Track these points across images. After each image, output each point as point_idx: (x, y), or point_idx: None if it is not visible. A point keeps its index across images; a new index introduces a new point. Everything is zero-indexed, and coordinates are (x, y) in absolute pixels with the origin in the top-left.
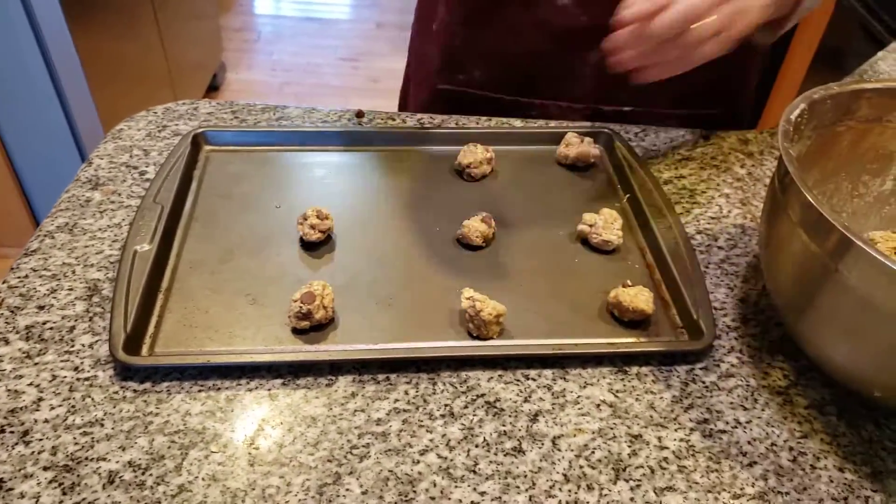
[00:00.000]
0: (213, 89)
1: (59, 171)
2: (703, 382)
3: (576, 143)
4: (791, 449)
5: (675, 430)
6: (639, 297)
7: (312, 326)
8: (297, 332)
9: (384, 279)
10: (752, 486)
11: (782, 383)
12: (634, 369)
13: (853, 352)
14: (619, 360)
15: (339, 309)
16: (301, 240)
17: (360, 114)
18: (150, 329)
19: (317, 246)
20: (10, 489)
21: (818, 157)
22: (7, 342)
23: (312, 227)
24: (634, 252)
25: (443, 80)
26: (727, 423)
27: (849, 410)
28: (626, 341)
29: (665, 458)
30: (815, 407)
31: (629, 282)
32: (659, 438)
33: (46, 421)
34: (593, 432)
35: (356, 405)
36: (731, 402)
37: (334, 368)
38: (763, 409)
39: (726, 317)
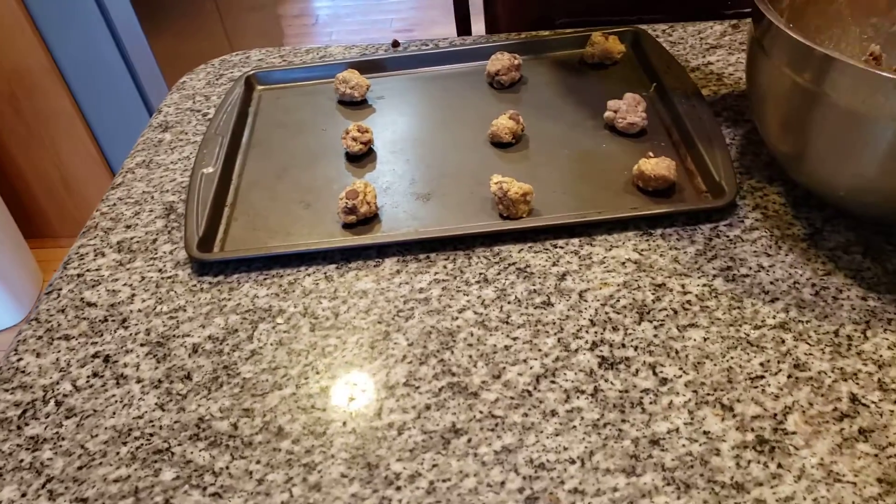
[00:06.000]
0: None
1: None
2: (727, 236)
3: (600, 42)
4: (814, 285)
5: (699, 278)
6: (660, 165)
7: (359, 221)
8: (346, 227)
9: (421, 179)
10: (773, 318)
11: (807, 231)
12: (659, 231)
13: (843, 163)
14: (644, 224)
15: (382, 207)
16: (346, 153)
17: (395, 43)
18: (220, 234)
19: (360, 157)
20: (116, 361)
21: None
22: (104, 255)
23: (354, 139)
24: (660, 132)
25: (562, 15)
26: (750, 268)
27: (874, 248)
28: (651, 206)
29: (688, 301)
30: (840, 248)
31: (651, 154)
32: (682, 286)
33: (140, 311)
34: (618, 285)
35: (401, 279)
36: (755, 251)
37: (381, 252)
38: (787, 255)
39: (752, 179)
